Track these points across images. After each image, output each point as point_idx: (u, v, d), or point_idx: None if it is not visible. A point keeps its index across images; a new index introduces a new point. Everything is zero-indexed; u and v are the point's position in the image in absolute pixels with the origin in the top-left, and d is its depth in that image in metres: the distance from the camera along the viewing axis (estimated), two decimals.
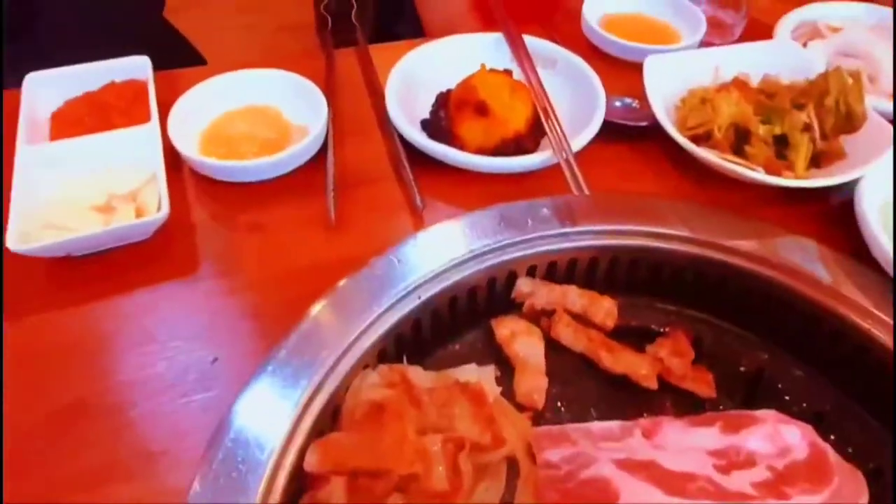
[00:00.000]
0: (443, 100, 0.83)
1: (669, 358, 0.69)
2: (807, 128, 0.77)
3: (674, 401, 0.68)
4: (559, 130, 0.79)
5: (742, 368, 0.70)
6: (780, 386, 0.69)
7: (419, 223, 0.75)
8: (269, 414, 0.55)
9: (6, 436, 0.54)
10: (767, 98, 0.80)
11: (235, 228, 0.73)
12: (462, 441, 0.56)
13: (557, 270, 0.75)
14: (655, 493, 0.56)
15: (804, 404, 0.67)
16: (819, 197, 0.81)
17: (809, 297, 0.70)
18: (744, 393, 0.69)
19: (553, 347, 0.71)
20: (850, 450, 0.63)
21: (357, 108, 0.90)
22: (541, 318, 0.73)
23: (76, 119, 0.78)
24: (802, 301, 0.71)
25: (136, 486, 0.53)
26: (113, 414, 0.56)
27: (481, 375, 0.66)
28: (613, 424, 0.63)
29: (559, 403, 0.67)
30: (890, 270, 0.70)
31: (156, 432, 0.55)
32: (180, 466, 0.54)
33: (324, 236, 0.72)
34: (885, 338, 0.66)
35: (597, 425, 0.62)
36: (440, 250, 0.70)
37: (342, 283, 0.65)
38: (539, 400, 0.66)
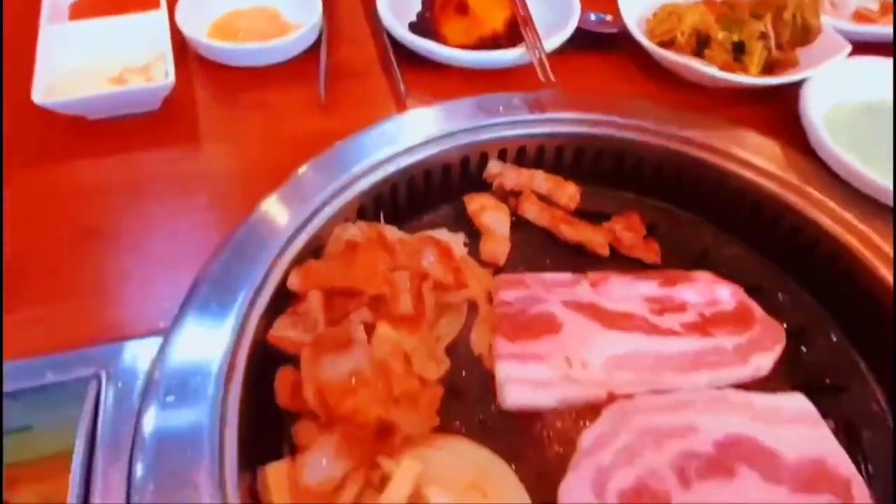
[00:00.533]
0: (429, 2, 0.90)
1: (622, 231, 0.76)
2: (763, 36, 0.84)
3: (622, 269, 0.75)
4: (534, 30, 0.86)
5: (689, 248, 0.78)
6: (722, 262, 0.76)
7: (402, 109, 0.82)
8: (258, 244, 0.63)
9: (41, 249, 0.64)
10: (730, 10, 0.87)
11: (235, 105, 0.81)
12: (426, 274, 0.64)
13: (526, 156, 0.82)
14: (595, 326, 0.64)
15: (743, 278, 0.74)
16: (774, 99, 0.87)
17: (756, 183, 0.77)
18: (689, 267, 0.76)
19: (518, 226, 0.78)
20: (778, 314, 0.71)
21: (351, 12, 0.97)
22: (509, 197, 0.80)
23: (93, 8, 0.86)
24: (749, 187, 0.77)
25: (135, 289, 0.62)
26: (119, 238, 0.65)
27: (451, 238, 0.74)
28: (565, 275, 0.70)
29: (520, 268, 0.74)
30: (830, 162, 0.77)
31: (154, 253, 0.64)
32: (177, 278, 0.61)
33: (316, 116, 0.80)
34: (819, 217, 0.73)
35: (550, 275, 0.70)
36: (419, 128, 0.77)
37: (327, 149, 0.73)
38: (501, 258, 0.73)
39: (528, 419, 0.60)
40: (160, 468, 0.48)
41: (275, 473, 0.53)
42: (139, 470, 0.48)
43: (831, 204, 0.73)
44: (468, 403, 0.61)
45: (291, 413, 0.57)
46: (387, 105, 0.83)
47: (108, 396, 0.51)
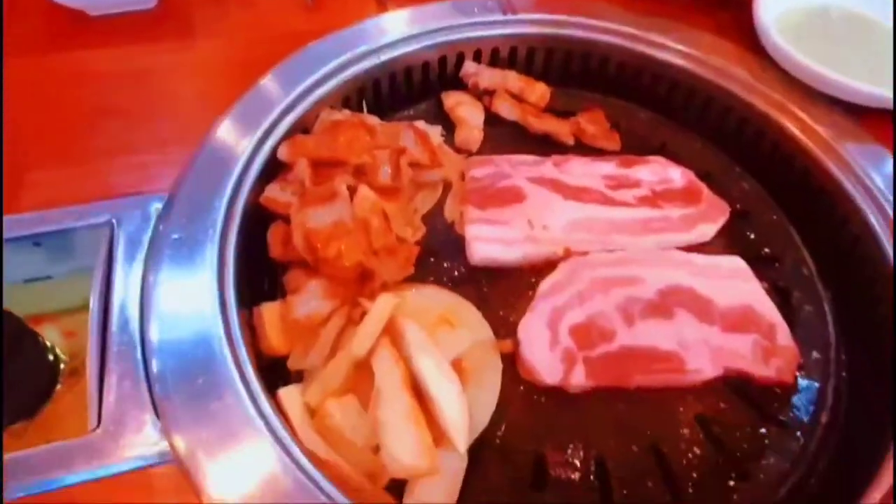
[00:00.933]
0: None
1: (586, 123, 0.83)
2: None
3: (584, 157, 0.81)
4: None
5: (649, 143, 0.85)
6: (678, 154, 0.83)
7: (383, 10, 0.88)
8: (249, 122, 0.69)
9: (56, 122, 0.70)
10: None
11: (227, 3, 0.86)
12: (404, 149, 0.71)
13: (500, 57, 0.88)
14: (556, 197, 0.71)
15: (696, 166, 0.81)
16: (735, 8, 0.92)
17: (709, 80, 0.83)
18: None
19: (491, 121, 0.84)
20: (726, 196, 0.78)
21: None
22: (483, 96, 0.86)
23: None
24: (703, 84, 0.84)
25: (141, 157, 0.69)
26: (126, 117, 0.71)
27: (428, 128, 0.80)
28: (531, 156, 0.77)
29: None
30: (776, 56, 0.83)
31: (158, 130, 0.71)
32: (179, 151, 0.68)
33: (301, 16, 0.86)
34: (765, 108, 0.80)
35: (517, 156, 0.77)
36: (398, 27, 0.83)
37: (311, 43, 0.79)
38: (473, 145, 0.80)
39: (493, 274, 0.67)
40: (168, 293, 0.55)
41: (268, 311, 0.60)
42: (150, 298, 0.55)
43: (776, 96, 0.79)
44: (441, 261, 0.68)
45: (283, 267, 0.65)
46: (368, 7, 0.88)
47: (120, 240, 0.58)
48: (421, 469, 0.48)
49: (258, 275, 0.65)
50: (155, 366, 0.51)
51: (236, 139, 0.67)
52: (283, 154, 0.67)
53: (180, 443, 0.47)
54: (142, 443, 0.48)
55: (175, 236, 0.58)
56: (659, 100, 0.87)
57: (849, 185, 0.71)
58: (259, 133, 0.68)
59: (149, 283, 0.55)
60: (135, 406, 0.49)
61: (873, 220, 0.69)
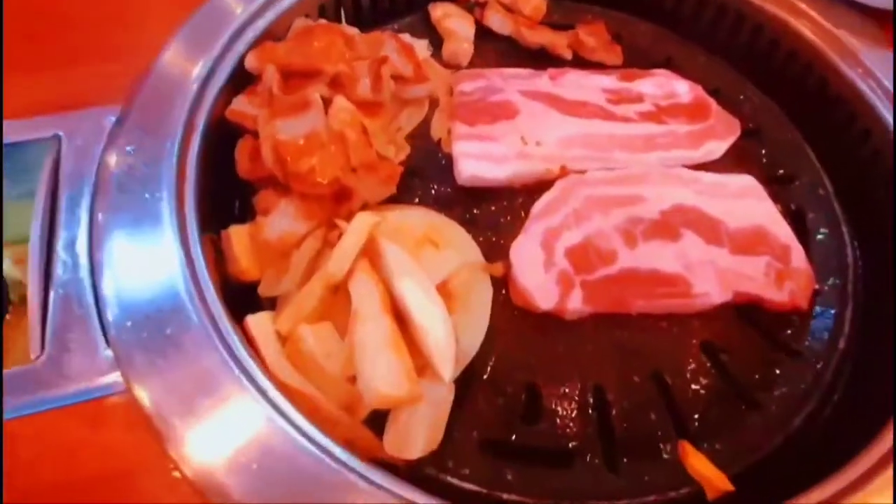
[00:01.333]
0: None
1: (585, 36, 0.76)
2: None
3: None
4: None
5: (653, 57, 0.78)
6: (684, 68, 0.76)
7: None
8: (212, 29, 0.62)
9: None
10: None
11: None
12: (385, 58, 0.64)
13: None
14: (551, 112, 0.65)
15: (704, 82, 0.74)
16: None
17: None
18: None
19: (482, 35, 0.77)
20: (737, 114, 0.72)
21: None
22: (474, 8, 0.79)
23: None
24: None
25: (93, 68, 0.62)
26: (75, 22, 0.64)
27: (414, 42, 0.73)
28: (525, 70, 0.71)
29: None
30: None
31: (116, 37, 0.64)
32: (135, 61, 0.61)
33: None
34: (779, 13, 0.73)
35: (510, 69, 0.70)
36: None
37: None
38: (463, 59, 0.73)
39: (483, 194, 0.62)
40: (120, 210, 0.49)
41: (237, 233, 0.55)
42: (100, 215, 0.49)
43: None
44: (427, 183, 0.63)
45: (254, 188, 0.59)
46: None
47: (69, 154, 0.52)
48: (400, 397, 0.44)
49: (227, 196, 0.59)
50: (105, 289, 0.46)
51: (198, 48, 0.60)
52: (250, 62, 0.61)
53: (132, 372, 0.42)
54: (89, 372, 0.43)
55: (129, 149, 0.52)
56: (664, 11, 0.80)
57: (871, 94, 0.65)
58: (223, 41, 0.61)
59: (98, 203, 0.50)
60: (82, 332, 0.44)
61: None
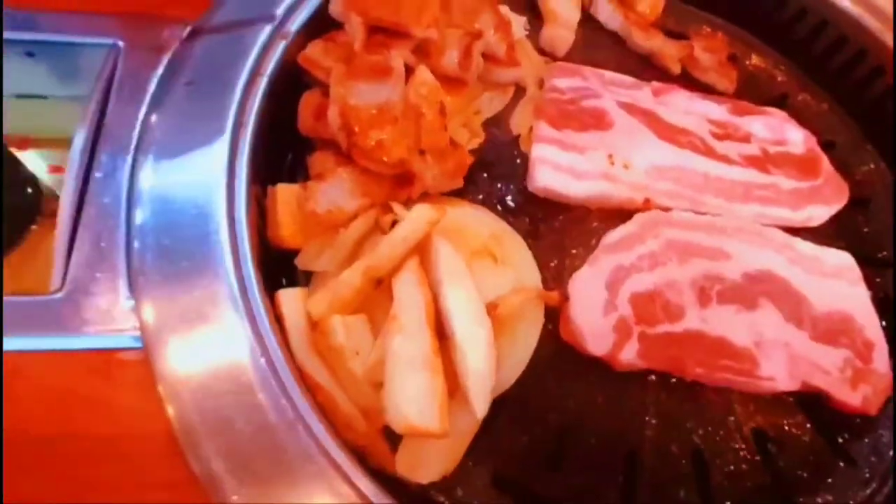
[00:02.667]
0: None
1: (700, 51, 0.68)
2: None
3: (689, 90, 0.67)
4: None
5: (769, 89, 0.70)
6: (800, 110, 0.68)
7: None
8: None
9: None
10: None
11: None
12: (480, 33, 0.57)
13: None
14: (647, 133, 0.59)
15: (821, 131, 0.66)
16: None
17: (867, 28, 0.67)
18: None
19: (588, 24, 0.70)
20: (847, 176, 0.64)
21: None
22: None
23: None
24: (857, 31, 0.68)
25: None
26: None
27: (513, 17, 0.66)
28: (627, 77, 0.64)
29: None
30: None
31: None
32: None
33: None
34: None
35: (612, 73, 0.63)
36: None
37: None
38: (561, 48, 0.66)
39: (554, 208, 0.56)
40: (171, 142, 0.45)
41: (284, 193, 0.50)
42: (148, 140, 0.45)
43: None
44: (495, 179, 0.57)
45: (312, 146, 0.54)
46: None
47: (126, 66, 0.47)
48: (429, 431, 0.39)
49: (282, 148, 0.54)
50: (138, 231, 0.42)
51: None
52: (335, 8, 0.55)
53: (150, 326, 0.38)
54: (107, 319, 0.39)
55: (188, 80, 0.47)
56: (792, 39, 0.71)
57: None
58: None
59: (149, 128, 0.45)
60: (107, 275, 0.40)
61: None
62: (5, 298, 0.40)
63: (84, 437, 0.38)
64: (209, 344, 0.39)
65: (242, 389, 0.38)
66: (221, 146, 0.46)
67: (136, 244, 0.42)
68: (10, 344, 0.39)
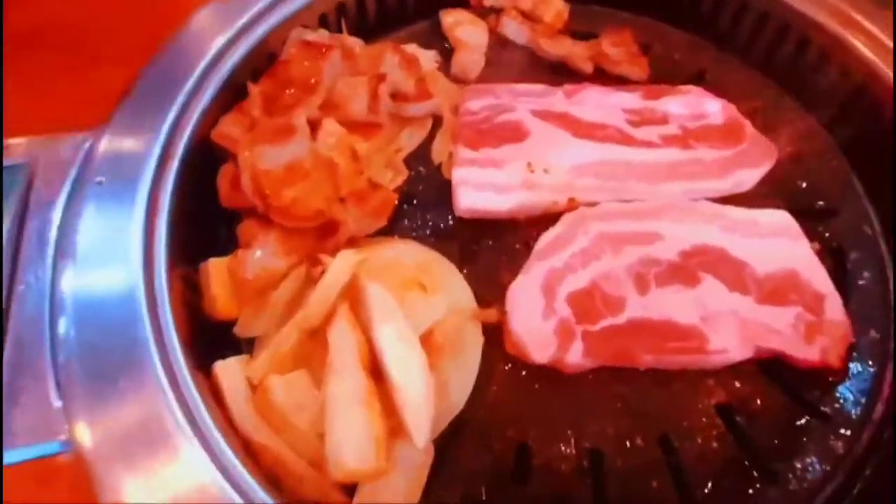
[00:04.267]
0: None
1: (609, 47, 0.70)
2: None
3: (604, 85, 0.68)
4: None
5: (684, 69, 0.71)
6: (719, 84, 0.68)
7: None
8: (196, 44, 0.59)
9: None
10: None
11: None
12: (384, 76, 0.59)
13: None
14: (564, 134, 0.60)
15: (740, 99, 0.67)
16: None
17: None
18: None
19: (497, 45, 0.72)
20: (775, 137, 0.64)
21: None
22: (489, 15, 0.73)
23: None
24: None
25: (76, 89, 0.59)
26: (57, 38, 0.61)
27: (420, 53, 0.68)
28: (538, 86, 0.65)
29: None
30: None
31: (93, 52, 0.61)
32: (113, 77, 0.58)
33: None
34: (829, 23, 0.65)
35: (522, 85, 0.65)
36: None
37: None
38: (472, 72, 0.68)
39: (484, 227, 0.57)
40: (88, 247, 0.47)
41: (216, 267, 0.51)
42: (65, 251, 0.47)
43: (846, 9, 0.64)
44: (423, 211, 0.58)
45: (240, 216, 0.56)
46: None
47: (39, 182, 0.50)
48: (367, 471, 0.40)
49: (213, 224, 0.56)
50: (63, 339, 0.43)
51: (183, 64, 0.57)
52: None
53: (82, 429, 0.39)
54: (39, 429, 0.40)
55: (100, 179, 0.49)
56: (701, 17, 0.73)
57: None
58: (212, 52, 0.58)
59: (66, 233, 0.47)
60: (36, 382, 0.41)
61: None
62: None
63: None
64: (141, 443, 0.39)
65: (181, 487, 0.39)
66: (136, 236, 0.48)
67: (61, 353, 0.43)
68: None
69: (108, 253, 0.46)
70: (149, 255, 0.46)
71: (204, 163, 0.54)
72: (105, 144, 0.50)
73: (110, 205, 0.48)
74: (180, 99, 0.55)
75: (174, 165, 0.51)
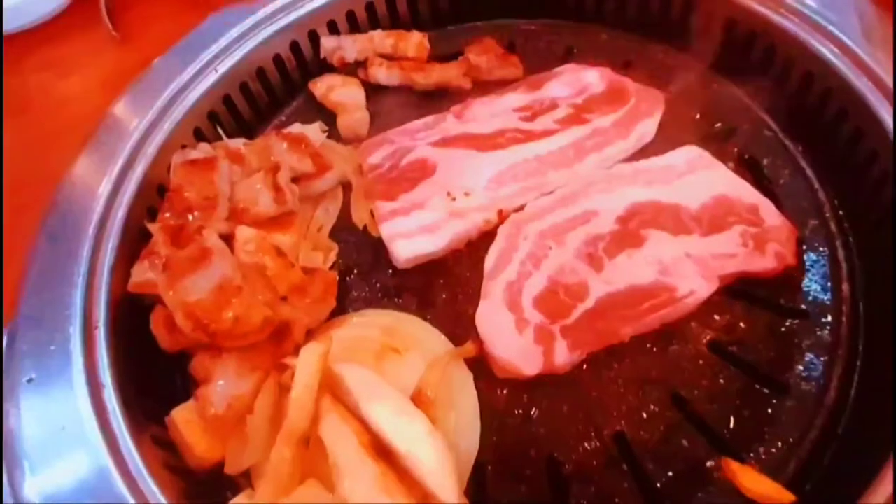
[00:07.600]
0: None
1: (477, 57, 0.71)
2: None
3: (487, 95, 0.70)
4: None
5: (553, 52, 0.73)
6: (589, 53, 0.72)
7: (207, 14, 0.74)
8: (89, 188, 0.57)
9: None
10: None
11: (20, 74, 0.71)
12: (278, 165, 0.59)
13: (358, 19, 0.75)
14: (469, 154, 0.60)
15: (613, 59, 0.69)
16: None
17: None
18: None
19: (375, 95, 0.72)
20: (657, 83, 0.67)
21: None
22: (357, 70, 0.74)
23: None
24: None
25: None
26: None
27: (304, 129, 0.68)
28: (428, 118, 0.65)
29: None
30: None
31: None
32: None
33: (112, 55, 0.72)
34: None
35: (414, 123, 0.65)
36: (229, 27, 0.69)
37: (133, 83, 0.65)
38: (361, 129, 0.68)
39: (431, 270, 0.56)
40: (38, 437, 0.43)
41: (181, 415, 0.49)
42: (15, 454, 0.43)
43: None
44: (366, 277, 0.57)
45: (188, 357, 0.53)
46: (189, 16, 0.75)
47: None
48: None
49: (163, 376, 0.54)
50: None
51: (73, 227, 0.54)
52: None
53: None
54: None
55: (28, 377, 0.46)
56: (552, 4, 0.75)
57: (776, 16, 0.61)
58: (98, 211, 0.55)
59: (11, 439, 0.43)
60: None
61: (826, 51, 0.58)
62: None
63: None
64: None
65: None
66: (87, 418, 0.45)
67: None
68: None
69: (62, 445, 0.43)
70: (108, 433, 0.44)
71: (132, 319, 0.52)
72: (23, 339, 0.47)
73: (49, 397, 0.45)
74: (82, 267, 0.52)
75: (100, 334, 0.49)
